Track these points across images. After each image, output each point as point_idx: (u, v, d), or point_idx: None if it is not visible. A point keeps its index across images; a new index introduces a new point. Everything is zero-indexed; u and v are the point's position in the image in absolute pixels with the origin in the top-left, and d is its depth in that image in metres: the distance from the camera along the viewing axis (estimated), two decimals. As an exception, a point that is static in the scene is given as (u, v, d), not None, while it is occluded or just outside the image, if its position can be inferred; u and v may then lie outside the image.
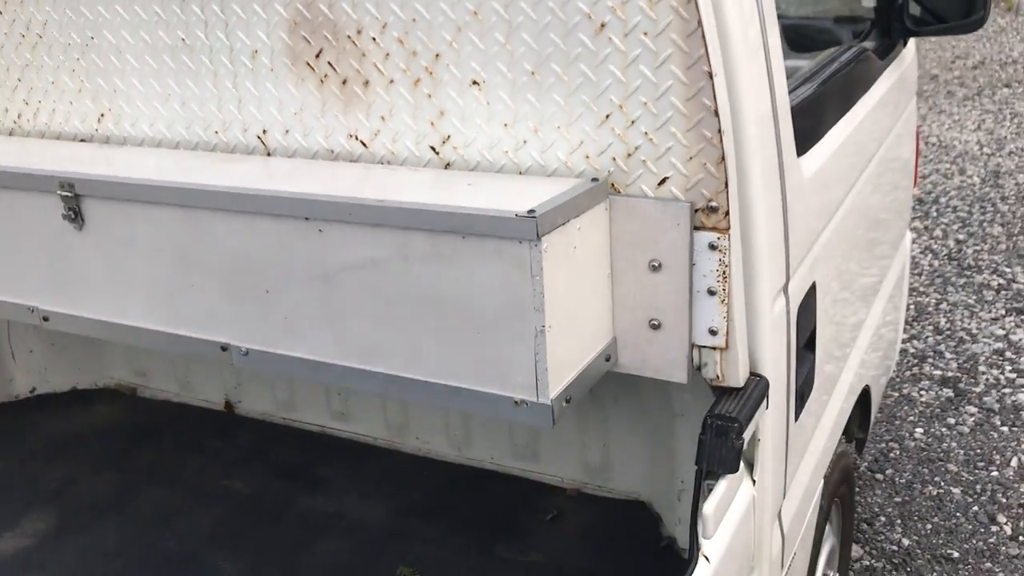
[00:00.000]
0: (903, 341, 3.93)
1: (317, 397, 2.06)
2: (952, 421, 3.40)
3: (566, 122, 1.26)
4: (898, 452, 3.26)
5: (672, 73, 1.17)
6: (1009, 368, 3.69)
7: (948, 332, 3.98)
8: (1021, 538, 2.83)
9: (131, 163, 1.47)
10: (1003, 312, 4.11)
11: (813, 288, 1.56)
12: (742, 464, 1.33)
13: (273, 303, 1.32)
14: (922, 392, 3.58)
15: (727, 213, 1.21)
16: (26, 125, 1.72)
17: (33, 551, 1.71)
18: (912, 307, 4.20)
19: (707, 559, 1.20)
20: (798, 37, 2.16)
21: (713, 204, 1.21)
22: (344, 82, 1.39)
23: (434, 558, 1.64)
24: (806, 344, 1.56)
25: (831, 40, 2.20)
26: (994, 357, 3.77)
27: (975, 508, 2.97)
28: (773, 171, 1.32)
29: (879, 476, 3.15)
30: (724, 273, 1.23)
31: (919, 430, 3.36)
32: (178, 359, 2.18)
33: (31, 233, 1.50)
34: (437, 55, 1.31)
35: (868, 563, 2.78)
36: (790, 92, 1.46)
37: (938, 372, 3.70)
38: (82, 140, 1.66)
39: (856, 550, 2.83)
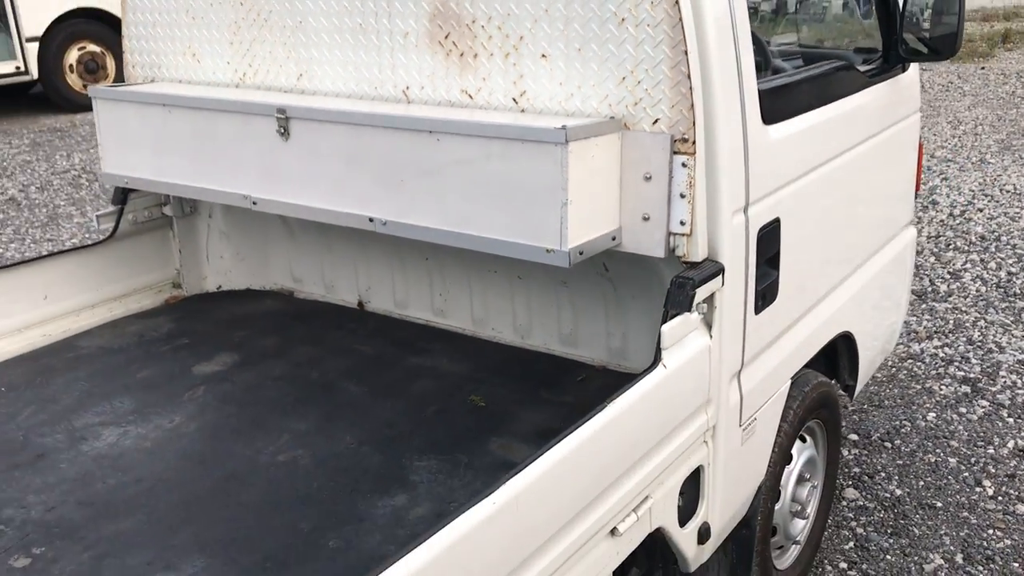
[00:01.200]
0: (935, 346, 4.44)
1: (423, 297, 2.79)
2: (963, 410, 3.90)
3: (598, 82, 1.96)
4: (909, 429, 3.78)
5: (663, 51, 1.86)
6: (1027, 375, 4.16)
7: (979, 343, 4.47)
8: (1000, 498, 3.33)
9: (320, 102, 2.25)
10: (1034, 332, 4.56)
11: (777, 222, 2.21)
12: (699, 320, 1.98)
13: (404, 188, 2.06)
14: (943, 387, 4.09)
15: (694, 143, 1.89)
16: (248, 81, 2.53)
17: (224, 375, 2.49)
18: (951, 321, 4.69)
19: (664, 366, 1.87)
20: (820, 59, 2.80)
21: (685, 137, 1.89)
22: (461, 55, 2.13)
23: (496, 394, 2.34)
24: (769, 261, 2.21)
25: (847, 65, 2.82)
26: (1016, 366, 4.24)
27: (965, 474, 3.48)
28: (737, 126, 1.99)
29: (887, 444, 3.69)
30: (690, 183, 1.91)
31: (932, 415, 3.88)
32: (327, 267, 2.96)
33: (250, 144, 2.29)
34: (521, 37, 2.04)
35: (862, 504, 3.33)
36: (766, 80, 2.12)
37: (961, 373, 4.20)
38: (285, 91, 2.46)
39: (853, 493, 3.38)
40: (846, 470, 3.50)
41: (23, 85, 10.49)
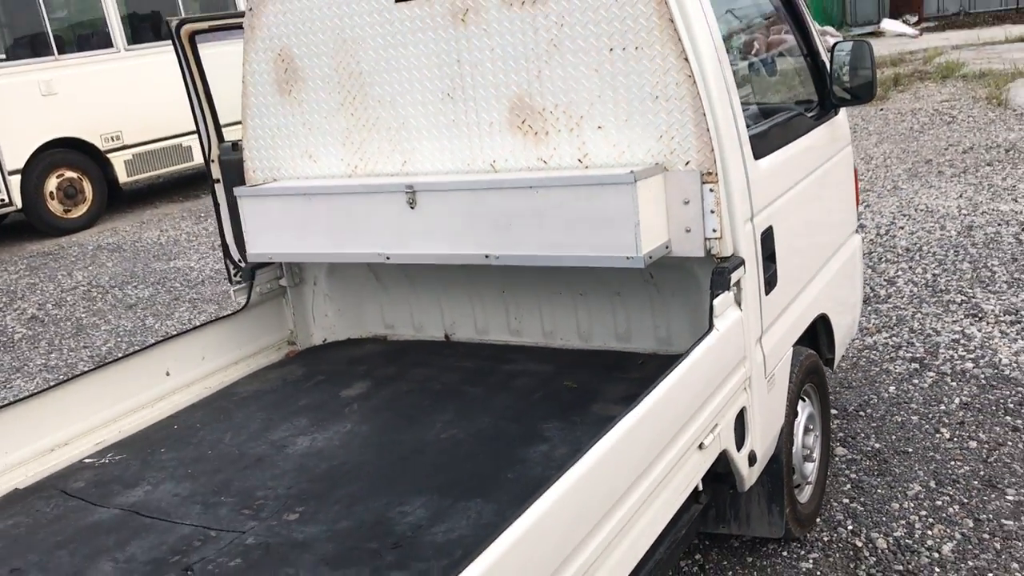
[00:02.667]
0: (884, 337, 5.35)
1: (501, 323, 3.58)
2: (916, 382, 4.79)
3: (642, 141, 2.82)
4: (875, 400, 4.65)
5: (688, 115, 2.72)
6: (962, 350, 5.08)
7: (919, 331, 5.40)
8: (955, 439, 4.19)
9: (436, 178, 3.06)
10: (962, 316, 5.52)
11: (771, 228, 3.07)
12: (733, 298, 2.81)
13: (511, 230, 2.87)
14: (896, 366, 4.99)
15: (715, 175, 2.75)
16: (358, 172, 3.33)
17: (366, 395, 3.23)
18: (894, 317, 5.62)
19: (717, 329, 2.69)
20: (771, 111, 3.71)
21: (710, 171, 2.75)
22: (536, 133, 2.98)
23: (580, 380, 3.13)
24: (769, 256, 3.06)
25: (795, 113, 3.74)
26: (952, 344, 5.17)
27: (926, 426, 4.35)
28: (740, 162, 2.86)
29: (861, 413, 4.54)
30: (716, 203, 2.76)
31: (892, 387, 4.76)
32: (416, 311, 3.73)
33: (382, 214, 3.08)
34: (581, 116, 2.89)
35: (851, 457, 4.16)
36: (751, 128, 3.00)
37: (909, 355, 5.11)
38: (392, 176, 3.26)
39: (841, 450, 4.21)
40: (833, 435, 4.33)
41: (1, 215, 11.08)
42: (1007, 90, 12.22)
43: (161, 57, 12.12)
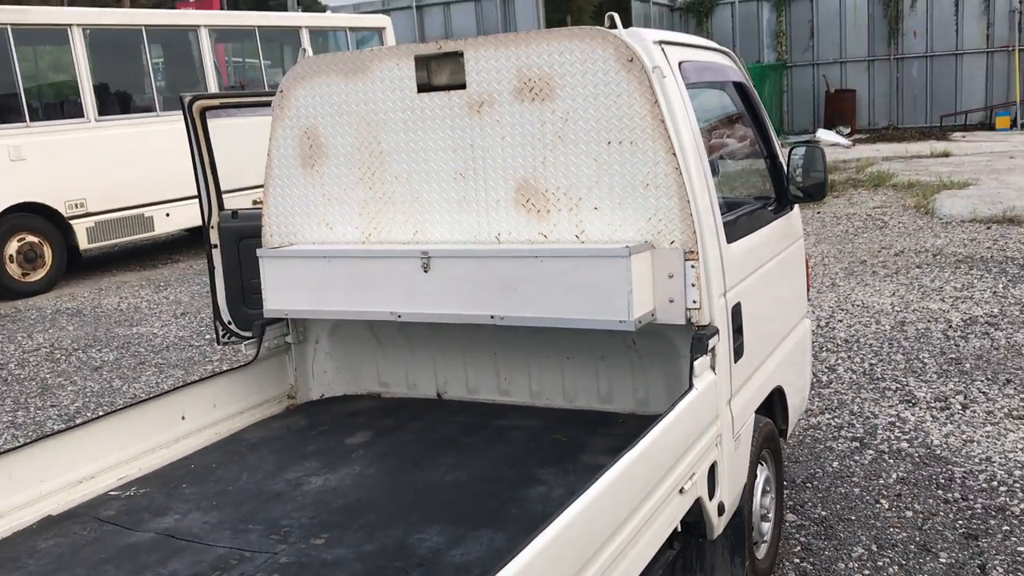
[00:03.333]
0: (828, 418, 5.79)
1: (491, 383, 3.91)
2: (857, 458, 5.21)
3: (633, 221, 3.23)
4: (821, 474, 5.05)
5: (674, 201, 3.14)
6: (897, 431, 5.54)
7: (859, 413, 5.85)
8: (893, 509, 4.60)
9: (447, 247, 3.43)
10: (897, 402, 5.99)
11: (739, 304, 3.49)
12: (708, 362, 3.20)
13: (515, 294, 3.23)
14: (839, 444, 5.41)
15: (697, 253, 3.16)
16: (371, 239, 3.68)
17: (370, 442, 3.52)
18: (835, 401, 6.08)
19: (696, 388, 3.06)
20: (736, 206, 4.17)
21: (692, 250, 3.16)
22: (538, 211, 3.37)
23: (567, 433, 3.47)
24: (737, 329, 3.47)
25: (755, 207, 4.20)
26: (888, 426, 5.62)
27: (867, 497, 4.75)
28: (716, 244, 3.28)
29: (808, 485, 4.93)
30: (697, 278, 3.17)
31: (835, 463, 5.17)
32: (411, 370, 4.04)
33: (396, 277, 3.42)
34: (580, 198, 3.30)
35: (800, 522, 4.53)
36: (724, 216, 3.44)
37: (850, 434, 5.54)
38: (403, 244, 3.62)
39: (792, 516, 4.58)
40: (784, 503, 4.70)
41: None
42: (933, 200, 13.12)
43: (130, 129, 12.43)
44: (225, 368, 3.86)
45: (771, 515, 4.03)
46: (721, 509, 3.31)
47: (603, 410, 3.72)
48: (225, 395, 3.78)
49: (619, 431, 3.49)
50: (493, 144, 3.39)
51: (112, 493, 3.23)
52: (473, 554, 2.61)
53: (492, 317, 3.30)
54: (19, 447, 3.11)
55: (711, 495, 3.23)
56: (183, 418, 3.60)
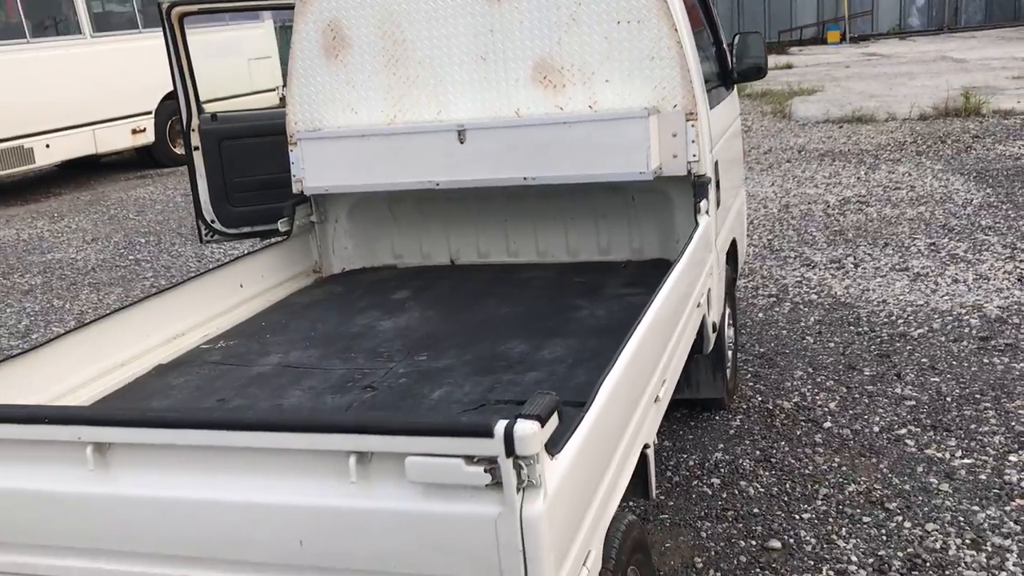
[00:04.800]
0: (744, 282, 6.66)
1: (500, 247, 4.47)
2: (778, 309, 6.10)
3: (642, 91, 3.84)
4: (751, 323, 5.90)
5: (676, 71, 3.77)
6: (805, 288, 6.46)
7: (769, 277, 6.76)
8: (818, 342, 5.49)
9: (481, 119, 3.93)
10: (799, 266, 6.94)
11: (717, 161, 4.18)
12: (706, 206, 3.88)
13: (546, 157, 3.80)
14: (759, 300, 6.28)
15: (696, 115, 3.82)
16: (397, 121, 4.14)
17: (414, 296, 4.04)
18: (746, 268, 6.97)
19: (701, 224, 3.74)
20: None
21: (692, 112, 3.81)
22: (554, 87, 3.93)
23: (583, 277, 4.09)
24: (718, 183, 4.17)
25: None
26: (796, 284, 6.54)
27: (794, 335, 5.62)
28: (705, 108, 3.94)
29: (743, 331, 5.77)
30: (697, 135, 3.83)
31: (760, 314, 6.04)
32: (425, 242, 4.55)
33: (434, 150, 3.91)
34: (593, 72, 3.87)
35: (745, 358, 5.35)
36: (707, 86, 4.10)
37: (766, 293, 6.43)
38: (428, 122, 4.10)
39: (739, 355, 5.40)
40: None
41: None
42: (788, 105, 14.34)
43: (3, 56, 11.97)
44: (248, 250, 4.29)
45: (733, 345, 4.81)
46: (714, 327, 4.04)
47: (604, 260, 4.36)
48: (269, 267, 4.19)
49: (626, 272, 4.15)
50: (512, 28, 3.91)
51: (203, 347, 3.64)
52: (558, 352, 3.22)
53: (525, 179, 3.86)
54: (95, 320, 3.37)
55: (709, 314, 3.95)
56: (241, 286, 4.01)
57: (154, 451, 2.02)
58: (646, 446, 2.59)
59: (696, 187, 3.79)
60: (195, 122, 5.43)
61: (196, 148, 5.47)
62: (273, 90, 15.23)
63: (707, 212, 3.88)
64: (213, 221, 5.56)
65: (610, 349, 2.87)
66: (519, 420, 1.72)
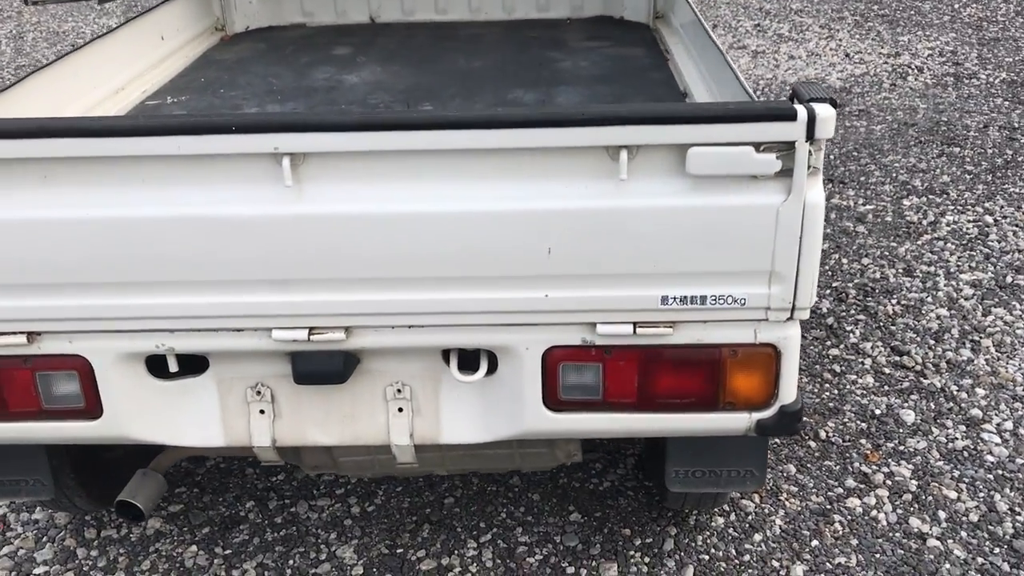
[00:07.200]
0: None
1: (426, 2, 4.11)
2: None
3: None
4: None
5: None
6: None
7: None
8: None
9: None
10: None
11: None
12: None
13: None
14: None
15: None
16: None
17: (352, 55, 3.67)
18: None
19: None
20: None
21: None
22: None
23: (520, 37, 3.90)
24: None
25: None
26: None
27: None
28: None
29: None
30: None
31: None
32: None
33: None
34: None
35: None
36: None
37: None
38: None
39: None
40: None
41: None
42: None
43: None
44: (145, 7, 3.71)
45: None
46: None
47: (544, 17, 4.16)
48: (177, 22, 3.63)
49: (575, 28, 3.99)
50: None
51: (149, 104, 3.12)
52: (575, 98, 3.08)
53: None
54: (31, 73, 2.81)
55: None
56: (162, 38, 3.46)
57: (371, 160, 1.75)
58: None
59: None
60: None
61: None
62: None
63: None
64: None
65: (630, 96, 2.82)
66: (816, 103, 1.64)
